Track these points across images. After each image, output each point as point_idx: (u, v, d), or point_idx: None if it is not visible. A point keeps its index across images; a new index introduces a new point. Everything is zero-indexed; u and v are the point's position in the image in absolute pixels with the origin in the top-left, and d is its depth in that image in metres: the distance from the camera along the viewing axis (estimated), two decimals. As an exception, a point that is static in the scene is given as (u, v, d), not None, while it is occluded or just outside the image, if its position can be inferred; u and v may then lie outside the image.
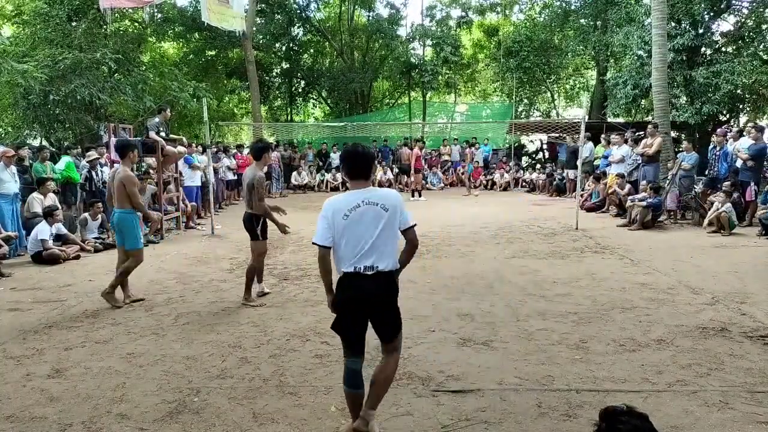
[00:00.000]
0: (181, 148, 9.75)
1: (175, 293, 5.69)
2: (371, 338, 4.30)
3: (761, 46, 14.43)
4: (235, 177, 14.08)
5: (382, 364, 2.88)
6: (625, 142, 11.47)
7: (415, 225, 2.89)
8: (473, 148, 17.52)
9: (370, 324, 2.84)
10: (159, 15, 19.49)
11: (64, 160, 9.70)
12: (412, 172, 14.87)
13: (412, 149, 15.32)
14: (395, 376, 3.00)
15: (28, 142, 13.79)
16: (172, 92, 14.21)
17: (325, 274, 2.86)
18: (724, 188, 8.76)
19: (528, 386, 3.40)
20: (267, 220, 5.26)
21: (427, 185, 17.00)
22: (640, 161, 10.67)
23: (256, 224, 5.23)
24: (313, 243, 2.82)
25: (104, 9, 11.42)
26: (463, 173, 16.34)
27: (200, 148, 12.05)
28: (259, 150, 5.34)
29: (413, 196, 14.38)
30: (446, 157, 18.73)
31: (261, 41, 23.03)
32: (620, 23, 15.84)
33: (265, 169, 5.77)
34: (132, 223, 5.31)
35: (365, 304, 2.78)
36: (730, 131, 10.71)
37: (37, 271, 6.88)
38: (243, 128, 27.39)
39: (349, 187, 2.88)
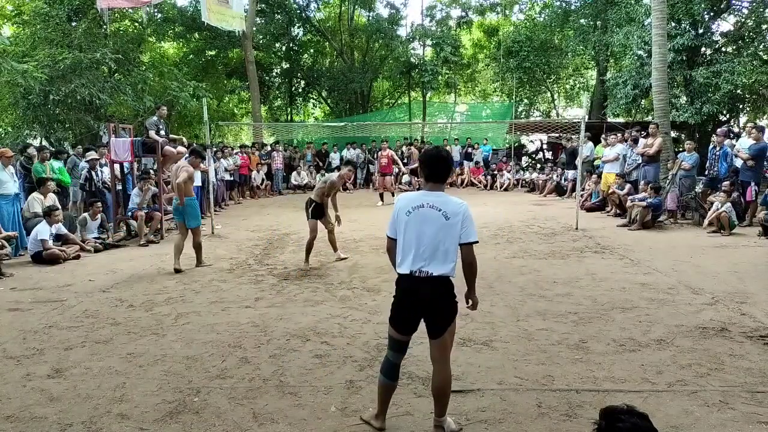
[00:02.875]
0: (180, 148, 9.75)
1: (175, 293, 5.69)
2: (371, 339, 4.26)
3: (761, 46, 14.39)
4: (232, 177, 13.98)
5: (432, 376, 2.89)
6: (625, 141, 11.45)
7: (476, 242, 2.86)
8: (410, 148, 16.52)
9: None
10: (159, 15, 19.51)
11: (56, 165, 9.44)
12: (380, 174, 13.93)
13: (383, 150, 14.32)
14: (450, 385, 2.87)
15: (28, 141, 13.79)
16: (171, 92, 14.23)
17: (393, 264, 2.94)
18: (724, 188, 8.76)
19: (528, 386, 3.40)
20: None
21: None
22: (640, 161, 10.66)
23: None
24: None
25: (101, 9, 11.42)
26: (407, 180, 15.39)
27: None
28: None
29: (382, 200, 13.23)
30: None
31: (261, 41, 23.05)
32: (620, 23, 15.84)
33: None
34: (194, 205, 6.85)
35: (416, 307, 2.80)
36: (731, 132, 10.70)
37: (37, 271, 6.88)
38: (243, 128, 27.40)
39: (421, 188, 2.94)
